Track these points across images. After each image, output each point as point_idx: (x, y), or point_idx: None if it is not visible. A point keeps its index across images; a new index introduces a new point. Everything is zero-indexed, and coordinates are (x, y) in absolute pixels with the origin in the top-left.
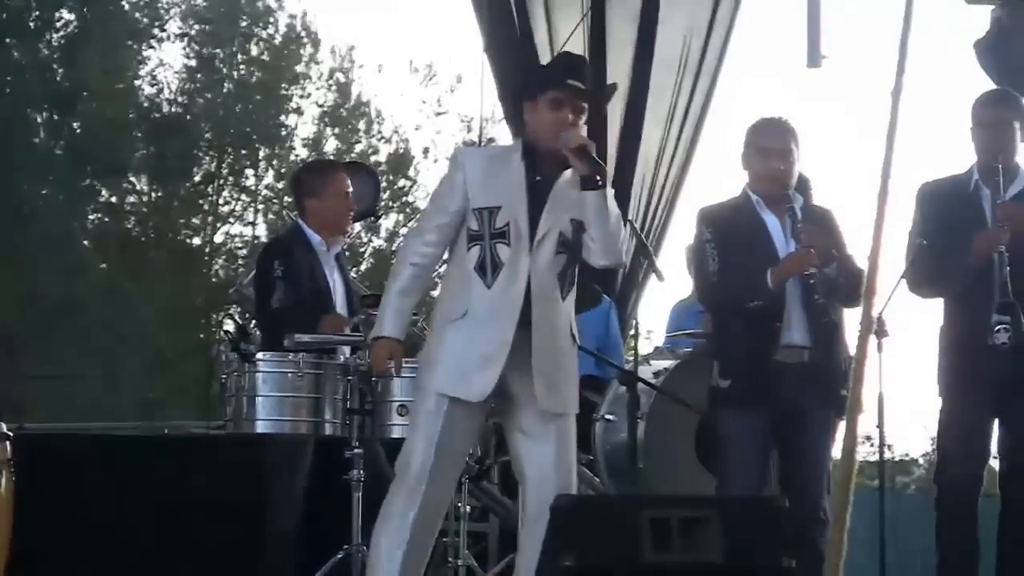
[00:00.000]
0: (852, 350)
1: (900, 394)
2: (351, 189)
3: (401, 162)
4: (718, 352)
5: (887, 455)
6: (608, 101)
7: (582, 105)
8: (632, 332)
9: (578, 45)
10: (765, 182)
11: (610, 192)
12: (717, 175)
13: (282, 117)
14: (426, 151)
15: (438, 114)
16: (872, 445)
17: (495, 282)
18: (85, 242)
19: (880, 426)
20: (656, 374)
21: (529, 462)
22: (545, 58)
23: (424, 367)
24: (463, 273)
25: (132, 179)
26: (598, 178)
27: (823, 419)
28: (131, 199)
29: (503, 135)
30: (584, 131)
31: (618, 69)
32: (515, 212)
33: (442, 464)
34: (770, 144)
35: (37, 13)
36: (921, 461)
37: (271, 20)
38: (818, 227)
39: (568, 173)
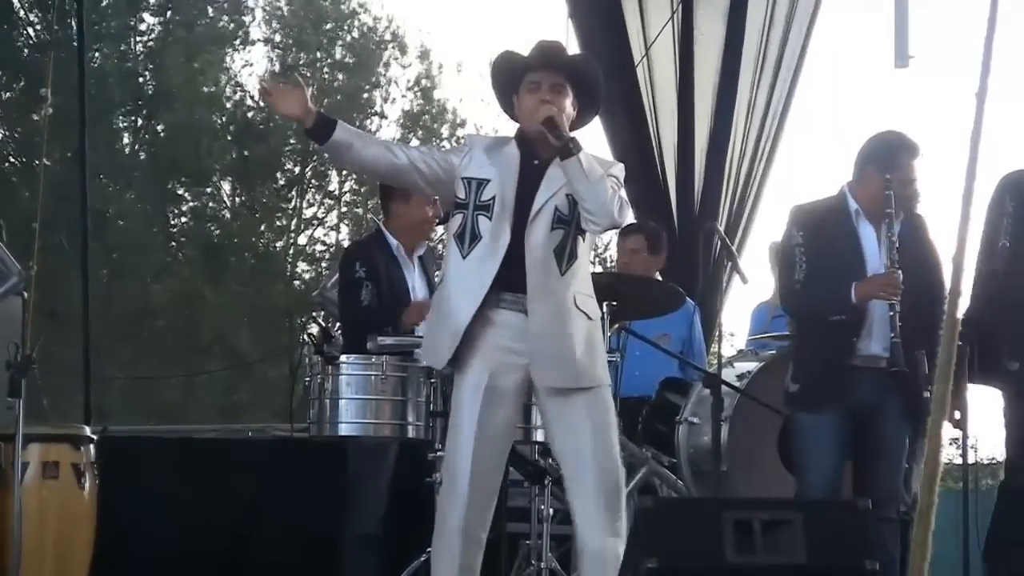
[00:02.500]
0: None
1: (986, 396)
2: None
3: None
4: (794, 357)
5: (973, 457)
6: (587, 67)
7: (560, 83)
8: (716, 334)
9: (667, 42)
10: (882, 203)
11: (585, 156)
12: (801, 173)
13: (367, 122)
14: None
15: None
16: (958, 447)
17: (470, 253)
18: (169, 245)
19: (963, 428)
20: (740, 377)
21: (563, 447)
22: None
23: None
24: (448, 242)
25: (216, 183)
26: (571, 146)
27: (899, 420)
28: (214, 203)
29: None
30: (566, 106)
31: (706, 66)
32: (503, 188)
33: (484, 457)
34: (914, 175)
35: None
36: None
37: (355, 24)
38: (913, 234)
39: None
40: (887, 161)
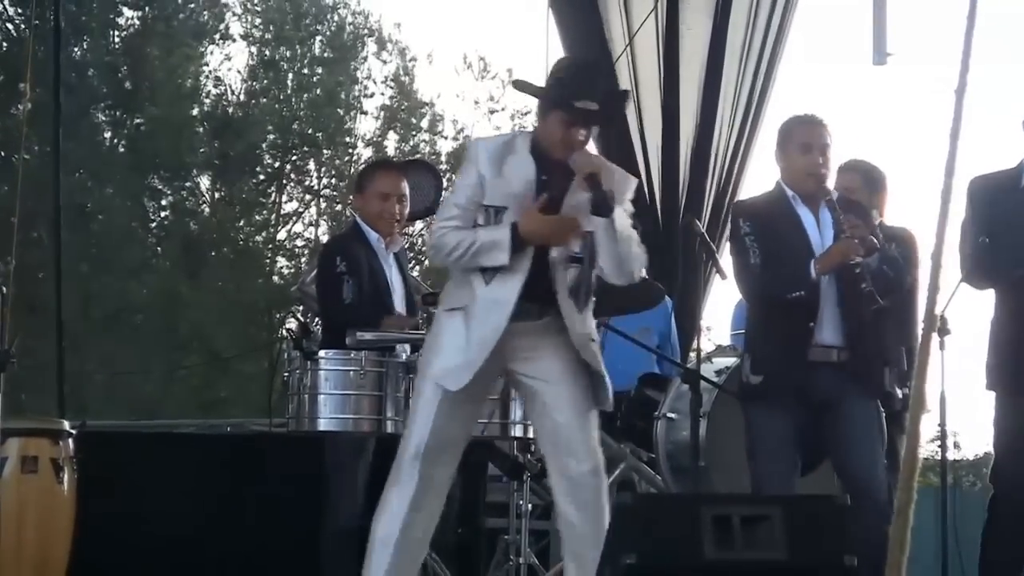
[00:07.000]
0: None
1: (972, 393)
2: (398, 192)
3: (461, 160)
4: (750, 347)
5: (955, 454)
6: (622, 111)
7: (595, 120)
8: (697, 330)
9: (651, 36)
10: (805, 177)
11: (620, 213)
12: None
13: (345, 117)
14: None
15: (492, 111)
16: (939, 444)
17: (492, 280)
18: (148, 240)
19: (942, 424)
20: (718, 372)
21: (568, 449)
22: (618, 47)
23: (423, 353)
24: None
25: (195, 178)
26: (610, 203)
27: (863, 409)
28: (193, 198)
29: None
30: (589, 139)
31: (692, 60)
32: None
33: (438, 446)
34: (811, 139)
35: (96, 11)
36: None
37: (334, 19)
38: (854, 216)
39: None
40: (795, 137)
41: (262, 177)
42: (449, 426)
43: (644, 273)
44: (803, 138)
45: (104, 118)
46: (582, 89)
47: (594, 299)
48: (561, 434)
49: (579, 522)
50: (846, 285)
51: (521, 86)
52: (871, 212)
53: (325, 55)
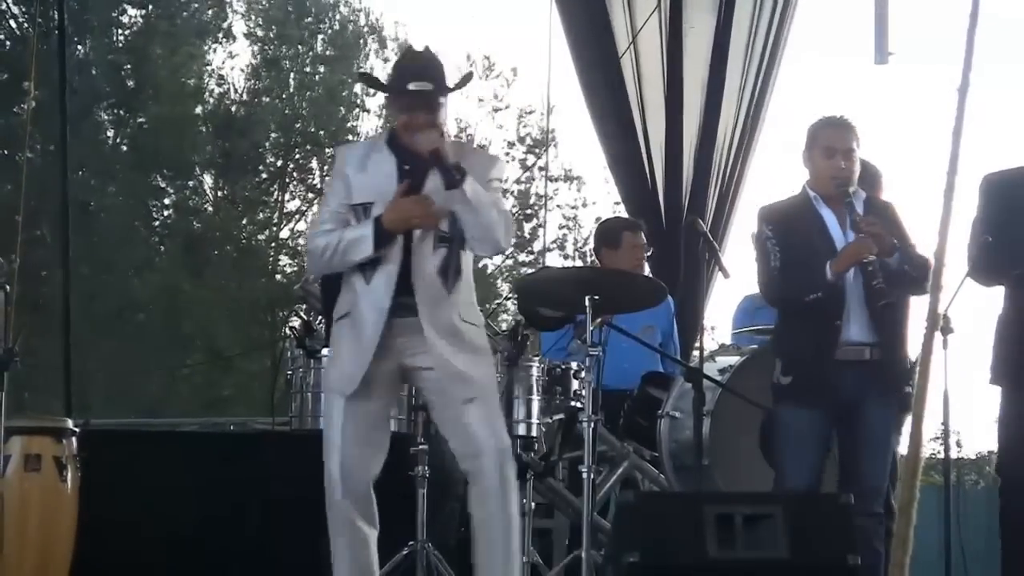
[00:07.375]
0: (917, 347)
1: (975, 391)
2: None
3: None
4: (780, 349)
5: (957, 453)
6: (461, 88)
7: (434, 100)
8: (700, 329)
9: (654, 34)
10: (828, 181)
11: (470, 185)
12: (782, 170)
13: (348, 115)
14: (481, 148)
15: (496, 109)
16: (941, 442)
17: (372, 278)
18: (151, 239)
19: (945, 423)
20: (721, 371)
21: (466, 443)
22: (622, 45)
23: (326, 366)
24: (348, 271)
25: (198, 177)
26: (456, 176)
27: (883, 414)
28: (196, 197)
29: (563, 125)
30: (442, 119)
31: (696, 58)
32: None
33: (352, 453)
34: (835, 143)
35: (99, 10)
36: (993, 459)
37: (335, 16)
38: (877, 218)
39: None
40: (819, 140)
41: (265, 176)
42: (359, 431)
43: (511, 243)
44: (827, 142)
45: (107, 117)
46: (414, 72)
47: (596, 297)
48: (461, 416)
49: (485, 496)
50: (865, 283)
51: (366, 80)
52: (898, 213)
53: (327, 53)
